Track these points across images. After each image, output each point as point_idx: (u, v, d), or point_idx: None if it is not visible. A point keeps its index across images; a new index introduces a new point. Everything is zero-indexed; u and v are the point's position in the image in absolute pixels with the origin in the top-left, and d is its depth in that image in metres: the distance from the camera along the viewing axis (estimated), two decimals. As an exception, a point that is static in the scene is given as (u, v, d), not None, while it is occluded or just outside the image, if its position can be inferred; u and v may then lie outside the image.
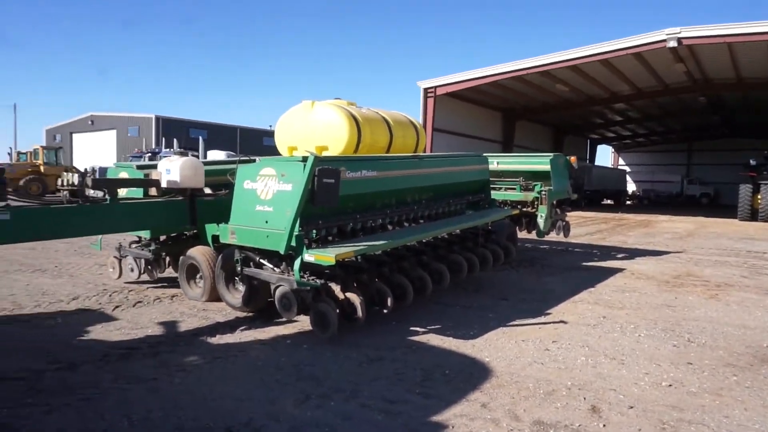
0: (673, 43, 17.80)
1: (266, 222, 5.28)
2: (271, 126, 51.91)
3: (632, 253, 11.97)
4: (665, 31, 17.90)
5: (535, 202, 10.56)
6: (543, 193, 10.30)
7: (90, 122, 50.75)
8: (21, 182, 25.73)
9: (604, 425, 3.61)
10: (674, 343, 5.40)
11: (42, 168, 28.00)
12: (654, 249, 12.83)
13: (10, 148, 31.47)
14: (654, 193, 40.19)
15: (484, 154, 9.28)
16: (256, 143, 48.98)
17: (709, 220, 22.99)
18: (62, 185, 25.90)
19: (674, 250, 12.58)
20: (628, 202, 39.29)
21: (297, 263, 5.01)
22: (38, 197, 8.05)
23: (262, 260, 5.54)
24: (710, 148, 44.30)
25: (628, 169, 45.92)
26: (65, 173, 26.47)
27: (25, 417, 3.55)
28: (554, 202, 10.67)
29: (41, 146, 29.44)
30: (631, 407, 3.89)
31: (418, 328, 5.68)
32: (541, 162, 10.77)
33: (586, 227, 18.46)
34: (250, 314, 6.04)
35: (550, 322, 6.08)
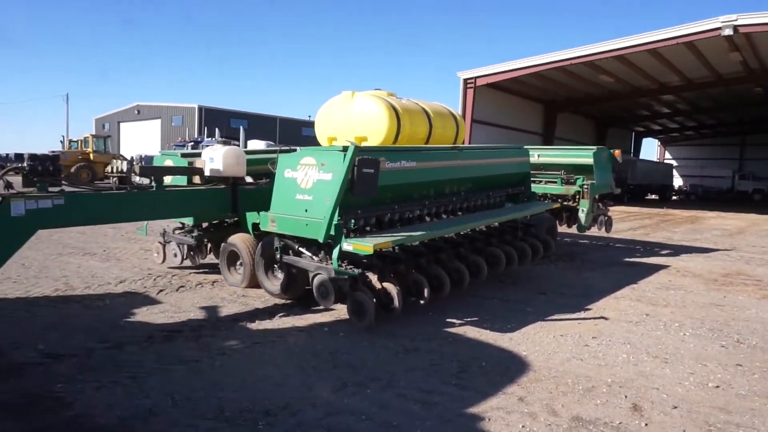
0: (728, 31, 16.95)
1: (306, 211, 5.35)
2: (310, 116, 52.45)
3: (678, 250, 11.55)
4: (720, 19, 17.06)
5: (577, 196, 10.31)
6: (585, 187, 10.04)
7: (136, 112, 52.42)
8: (72, 169, 26.85)
9: (646, 424, 3.51)
10: (722, 344, 5.20)
11: (91, 155, 29.13)
12: (701, 246, 12.35)
13: (63, 136, 32.81)
14: (702, 189, 38.58)
15: (525, 147, 9.12)
16: (294, 133, 49.57)
17: (761, 217, 21.92)
18: (112, 172, 26.98)
19: (723, 248, 12.07)
20: (674, 198, 37.90)
21: (335, 252, 5.06)
22: (89, 183, 8.38)
23: (301, 248, 5.62)
24: (765, 142, 42.20)
25: (674, 163, 44.28)
26: (114, 161, 27.49)
27: (78, 392, 3.72)
28: (596, 197, 10.41)
29: (91, 135, 30.63)
30: (675, 407, 3.77)
31: (454, 320, 5.66)
32: (584, 155, 10.50)
33: (628, 222, 17.92)
34: (288, 301, 6.14)
35: (590, 318, 5.95)
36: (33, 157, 4.68)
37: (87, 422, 3.32)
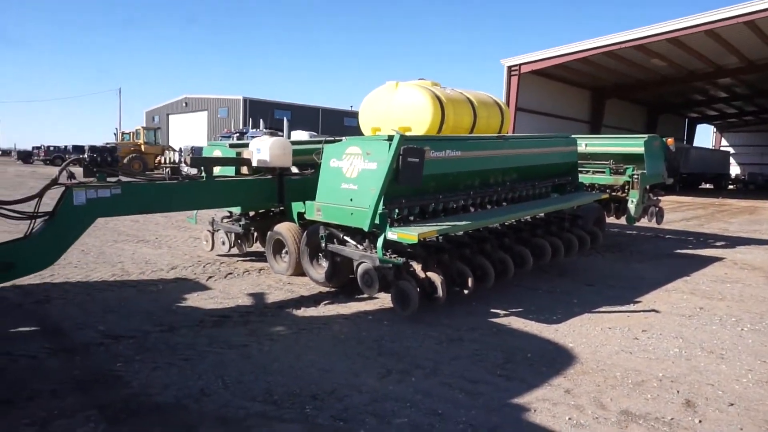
0: (793, 9, 15.95)
1: (351, 200, 5.40)
2: (351, 106, 52.69)
3: (734, 242, 11.04)
4: (784, -4, 16.06)
5: (626, 187, 9.99)
6: (635, 176, 9.70)
7: (184, 104, 53.97)
8: (125, 160, 27.99)
9: (699, 421, 3.40)
10: (783, 340, 4.96)
11: (143, 147, 30.24)
12: (761, 238, 11.75)
13: (116, 128, 34.21)
14: (762, 177, 36.54)
15: (572, 136, 8.88)
16: (337, 123, 49.95)
17: (827, 207, 20.65)
18: (164, 163, 28.02)
19: (785, 240, 11.46)
20: (730, 187, 36.11)
21: (380, 241, 5.10)
22: (142, 174, 8.72)
23: (345, 237, 5.68)
24: (832, 127, 39.59)
25: (731, 150, 42.13)
26: (167, 152, 28.52)
27: (136, 371, 3.91)
28: (647, 187, 10.05)
29: (142, 127, 31.78)
30: (732, 404, 3.64)
31: (498, 311, 5.61)
32: (634, 144, 10.16)
33: (681, 212, 17.23)
34: (333, 290, 6.24)
35: (639, 311, 5.78)
36: (93, 149, 4.94)
37: (145, 400, 3.49)
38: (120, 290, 6.11)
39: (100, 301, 5.68)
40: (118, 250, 8.43)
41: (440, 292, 5.18)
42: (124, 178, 5.42)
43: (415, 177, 5.13)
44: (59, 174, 4.69)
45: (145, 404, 3.44)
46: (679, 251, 9.75)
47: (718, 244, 10.75)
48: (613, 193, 10.25)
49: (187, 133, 51.04)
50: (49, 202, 4.66)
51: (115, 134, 33.81)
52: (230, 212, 7.95)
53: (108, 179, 5.01)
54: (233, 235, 7.87)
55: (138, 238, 9.57)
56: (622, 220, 10.45)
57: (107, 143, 30.39)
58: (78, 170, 4.99)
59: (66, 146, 45.22)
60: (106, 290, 6.09)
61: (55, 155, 42.47)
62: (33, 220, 4.44)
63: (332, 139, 6.28)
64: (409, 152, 5.02)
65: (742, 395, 3.79)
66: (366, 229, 5.16)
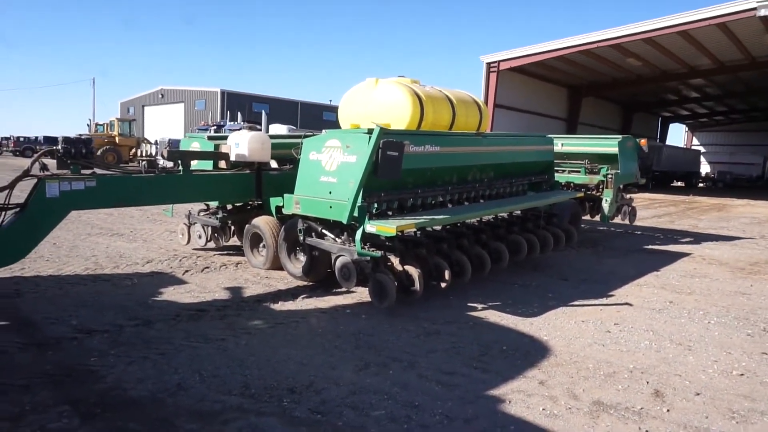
0: (764, 12, 16.38)
1: (330, 193, 5.40)
2: (330, 101, 52.46)
3: (703, 238, 11.35)
4: (754, -1, 16.50)
5: (600, 186, 10.19)
6: (609, 176, 9.92)
7: (160, 96, 53.02)
8: (98, 152, 27.39)
9: (668, 410, 3.51)
10: (748, 332, 5.13)
11: (117, 139, 29.66)
12: (728, 234, 12.10)
13: (89, 119, 33.45)
14: (731, 176, 37.60)
15: (549, 135, 9.01)
16: (315, 117, 49.67)
17: (792, 205, 21.34)
18: (141, 156, 27.52)
19: (751, 236, 11.82)
20: (701, 185, 37.05)
21: (359, 233, 5.11)
22: (116, 166, 8.57)
23: (324, 230, 5.69)
24: (798, 128, 40.87)
25: (702, 149, 43.20)
26: (144, 144, 28.01)
27: (111, 366, 3.86)
28: (620, 187, 10.27)
29: (116, 118, 31.16)
30: (698, 394, 3.76)
31: (475, 304, 5.69)
32: (608, 144, 10.36)
33: (653, 209, 17.63)
34: (310, 284, 6.23)
35: (612, 305, 5.92)
36: (67, 140, 4.84)
37: (120, 394, 3.46)
38: (93, 284, 6.01)
39: (73, 295, 5.58)
40: (92, 243, 8.27)
41: (417, 285, 5.23)
42: (99, 171, 5.32)
43: (394, 170, 5.15)
44: (31, 165, 4.59)
45: (120, 399, 3.41)
46: (650, 247, 9.99)
47: (688, 240, 11.04)
48: (588, 192, 10.45)
49: (163, 125, 50.19)
50: (19, 194, 4.56)
51: (88, 125, 33.09)
52: (207, 205, 7.86)
53: (83, 171, 4.92)
54: (210, 228, 7.80)
55: (112, 231, 9.41)
56: (597, 217, 10.66)
57: (80, 134, 29.74)
58: (51, 162, 4.89)
59: (37, 137, 44.08)
60: (79, 284, 5.98)
61: (25, 146, 41.36)
62: (3, 213, 4.34)
63: (311, 134, 6.27)
64: (388, 146, 5.04)
65: (708, 385, 3.92)
66: (345, 221, 5.17)
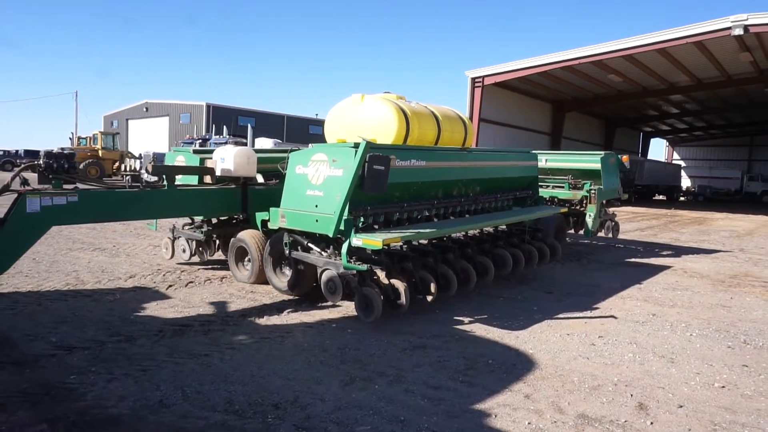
0: (738, 31, 16.88)
1: (316, 206, 5.40)
2: (317, 114, 52.55)
3: (685, 251, 11.53)
4: (730, 18, 16.99)
5: (584, 201, 10.34)
6: (592, 191, 10.07)
7: (144, 109, 52.66)
8: (81, 165, 27.02)
9: (651, 423, 3.54)
10: (729, 344, 5.20)
11: (100, 152, 29.31)
12: (709, 247, 12.31)
13: (72, 133, 33.04)
14: (710, 190, 38.34)
15: (533, 151, 9.14)
16: (302, 131, 49.67)
17: (770, 219, 21.79)
18: (125, 170, 27.21)
19: (731, 249, 12.03)
20: (682, 198, 37.71)
21: (345, 246, 5.11)
22: (99, 180, 8.48)
23: (310, 244, 5.67)
24: (775, 143, 41.88)
25: (683, 163, 44.03)
26: (128, 159, 27.69)
27: (91, 383, 3.79)
28: (603, 202, 10.43)
29: (100, 132, 30.82)
30: (681, 406, 3.79)
31: (461, 318, 5.69)
32: (591, 160, 10.54)
33: (635, 223, 17.87)
34: (296, 298, 6.20)
35: (596, 317, 5.97)
36: (49, 154, 4.75)
37: (100, 412, 3.39)
38: (74, 300, 5.90)
39: (53, 311, 5.47)
40: (73, 258, 8.15)
41: (403, 299, 5.23)
42: (81, 186, 5.25)
43: (381, 184, 5.18)
44: (11, 180, 4.52)
45: (100, 417, 3.34)
46: (634, 260, 10.11)
47: (670, 253, 11.20)
48: (572, 207, 10.59)
49: (148, 138, 49.76)
50: (-1, 208, 4.48)
51: (71, 139, 32.68)
52: (192, 219, 7.81)
53: (65, 186, 4.86)
54: (194, 242, 7.73)
55: (94, 245, 9.27)
56: (580, 232, 10.78)
57: (62, 148, 29.28)
58: (33, 176, 4.82)
59: (17, 150, 43.40)
60: (58, 300, 5.87)
61: (4, 160, 40.69)
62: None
63: (297, 148, 6.28)
64: (375, 160, 5.07)
65: (691, 397, 3.96)
66: (331, 235, 5.16)
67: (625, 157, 11.42)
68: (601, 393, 3.97)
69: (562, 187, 10.77)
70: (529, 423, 3.47)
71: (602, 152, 10.79)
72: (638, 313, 6.20)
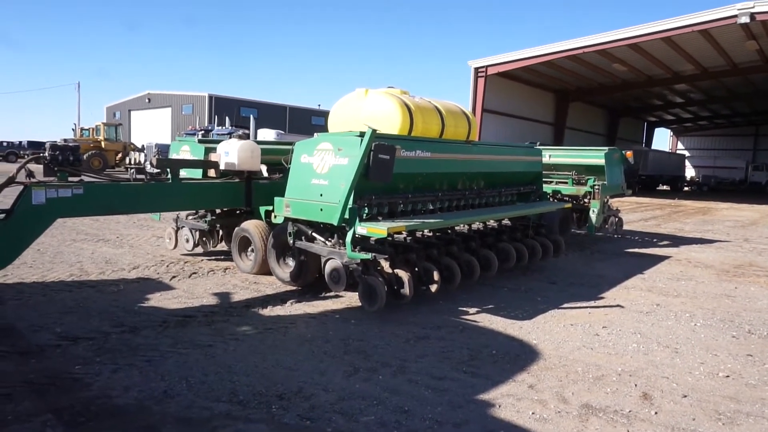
0: (744, 19, 16.71)
1: (321, 195, 5.40)
2: (319, 105, 52.44)
3: (689, 241, 11.49)
4: (736, 6, 16.81)
5: (588, 197, 10.30)
6: (596, 187, 10.03)
7: (147, 100, 52.62)
8: (84, 157, 27.05)
9: (655, 412, 3.53)
10: (733, 334, 5.19)
11: (103, 144, 29.33)
12: (713, 237, 12.26)
13: (74, 124, 33.06)
14: (715, 180, 38.19)
15: (537, 146, 9.08)
16: (304, 122, 49.57)
17: (775, 209, 21.70)
18: (129, 163, 27.24)
19: (735, 239, 11.99)
20: (686, 189, 37.56)
21: (349, 235, 5.11)
22: (101, 172, 8.49)
23: (314, 234, 5.67)
24: (780, 132, 41.61)
25: (687, 153, 43.81)
26: (133, 152, 27.70)
27: (96, 374, 3.80)
28: (607, 198, 10.39)
29: (102, 123, 30.82)
30: (685, 396, 3.79)
31: (465, 309, 5.69)
32: (595, 156, 10.50)
33: (639, 213, 17.81)
34: (299, 289, 6.20)
35: (600, 308, 5.96)
36: (54, 146, 4.75)
37: (105, 402, 3.40)
38: (78, 291, 5.92)
39: (57, 302, 5.49)
40: (77, 249, 8.17)
41: (407, 289, 5.22)
42: (87, 178, 5.25)
43: (386, 173, 5.17)
44: (17, 172, 4.52)
45: (105, 407, 3.35)
46: (637, 250, 10.08)
47: (674, 243, 11.17)
48: (576, 203, 10.55)
49: (150, 130, 49.76)
50: (2, 200, 4.49)
51: (73, 130, 32.69)
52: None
53: (70, 179, 4.85)
54: (198, 232, 7.74)
55: (98, 236, 9.30)
56: (584, 228, 10.75)
57: (66, 140, 29.39)
58: (38, 167, 4.82)
59: (21, 142, 43.48)
60: (63, 291, 5.89)
61: (8, 151, 40.78)
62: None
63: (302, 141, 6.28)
64: (380, 149, 5.06)
65: (695, 387, 3.96)
66: (335, 223, 5.16)
67: (629, 153, 11.41)
68: (605, 383, 3.96)
69: (566, 182, 10.73)
70: (533, 413, 3.47)
71: (606, 148, 10.75)
72: (642, 303, 6.19)
